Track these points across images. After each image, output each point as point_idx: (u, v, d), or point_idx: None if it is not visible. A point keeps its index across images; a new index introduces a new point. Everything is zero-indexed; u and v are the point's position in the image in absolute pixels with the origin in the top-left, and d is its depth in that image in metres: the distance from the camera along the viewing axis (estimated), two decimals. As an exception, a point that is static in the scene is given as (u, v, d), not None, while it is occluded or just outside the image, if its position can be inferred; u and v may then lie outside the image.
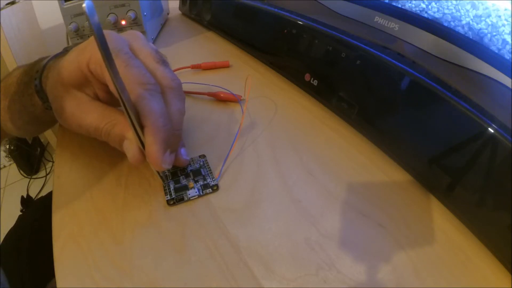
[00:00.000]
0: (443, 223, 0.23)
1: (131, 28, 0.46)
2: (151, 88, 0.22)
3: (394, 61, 0.27)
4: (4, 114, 0.30)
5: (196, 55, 0.47)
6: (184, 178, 0.27)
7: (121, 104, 0.20)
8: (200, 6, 0.56)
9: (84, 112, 0.24)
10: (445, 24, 0.28)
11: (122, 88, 0.19)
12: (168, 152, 0.23)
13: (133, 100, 0.21)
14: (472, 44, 0.26)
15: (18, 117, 0.30)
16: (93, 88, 0.24)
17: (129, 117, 0.20)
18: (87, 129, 0.24)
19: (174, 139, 0.24)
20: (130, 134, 0.23)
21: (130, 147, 0.23)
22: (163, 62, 0.24)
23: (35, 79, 0.26)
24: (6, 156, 1.35)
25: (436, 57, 0.28)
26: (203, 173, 0.27)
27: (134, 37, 0.25)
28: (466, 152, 0.22)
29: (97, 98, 0.25)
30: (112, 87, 0.22)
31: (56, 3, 0.44)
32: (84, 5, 0.15)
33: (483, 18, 0.25)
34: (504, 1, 0.24)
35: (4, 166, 1.40)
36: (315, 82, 0.35)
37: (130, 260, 0.21)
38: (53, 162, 1.36)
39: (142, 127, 0.21)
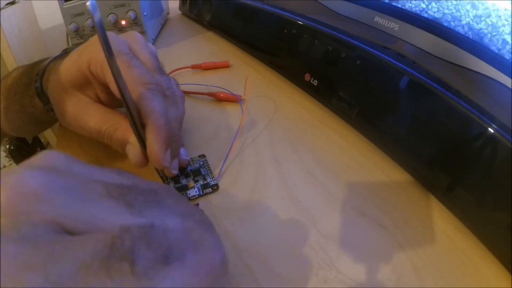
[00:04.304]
0: (443, 223, 0.23)
1: (131, 28, 0.46)
2: (153, 88, 0.22)
3: (394, 61, 0.27)
4: (4, 114, 0.30)
5: (196, 55, 0.47)
6: (184, 178, 0.27)
7: (123, 102, 0.20)
8: (200, 6, 0.56)
9: (86, 115, 0.24)
10: (445, 24, 0.28)
11: (124, 87, 0.19)
12: (169, 151, 0.23)
13: (135, 100, 0.21)
14: (472, 44, 0.26)
15: (18, 118, 0.30)
16: (94, 89, 0.24)
17: (131, 116, 0.20)
18: (90, 132, 0.24)
19: (173, 144, 0.23)
20: (132, 139, 0.22)
21: (133, 151, 0.22)
22: (160, 69, 0.24)
23: (35, 82, 0.26)
24: (6, 156, 1.35)
25: (436, 57, 0.28)
26: (203, 173, 0.27)
27: (133, 39, 0.25)
28: (466, 152, 0.22)
29: (98, 99, 0.25)
30: (113, 87, 0.22)
31: (56, 3, 0.44)
32: (88, 3, 0.15)
33: (483, 18, 0.25)
34: (504, 1, 0.24)
35: (4, 166, 1.40)
36: (315, 82, 0.35)
37: (130, 260, 0.21)
38: (53, 162, 1.36)
39: (143, 126, 0.21)
